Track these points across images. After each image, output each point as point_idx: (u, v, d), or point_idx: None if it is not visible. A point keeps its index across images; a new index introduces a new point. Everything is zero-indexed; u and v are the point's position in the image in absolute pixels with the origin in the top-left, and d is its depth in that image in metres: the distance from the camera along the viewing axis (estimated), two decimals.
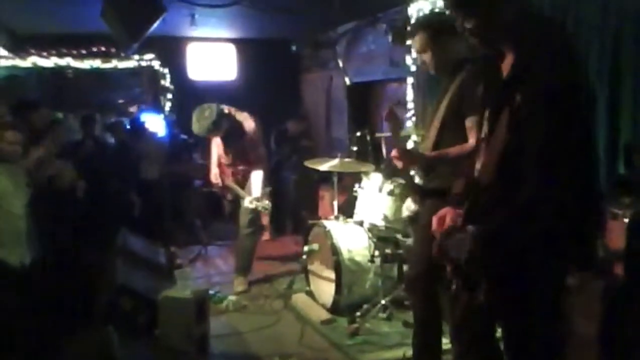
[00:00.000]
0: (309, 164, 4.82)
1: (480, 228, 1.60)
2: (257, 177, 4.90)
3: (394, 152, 2.81)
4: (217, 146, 5.23)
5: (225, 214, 6.29)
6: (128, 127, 6.74)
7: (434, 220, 2.01)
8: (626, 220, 2.82)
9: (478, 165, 1.88)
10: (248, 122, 4.89)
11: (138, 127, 6.60)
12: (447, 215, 1.98)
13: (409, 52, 5.47)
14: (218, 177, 5.23)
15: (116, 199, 5.52)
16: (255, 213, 4.98)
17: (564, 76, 1.64)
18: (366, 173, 4.47)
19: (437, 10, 4.78)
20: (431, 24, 2.91)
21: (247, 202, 4.81)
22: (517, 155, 1.66)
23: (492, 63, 1.87)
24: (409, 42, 5.44)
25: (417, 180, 3.19)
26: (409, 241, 4.05)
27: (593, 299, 2.79)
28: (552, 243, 1.66)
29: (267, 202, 4.85)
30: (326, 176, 5.18)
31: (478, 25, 1.74)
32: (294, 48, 7.69)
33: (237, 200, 5.15)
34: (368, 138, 5.42)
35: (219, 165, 5.24)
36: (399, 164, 2.81)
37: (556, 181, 1.62)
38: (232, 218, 5.38)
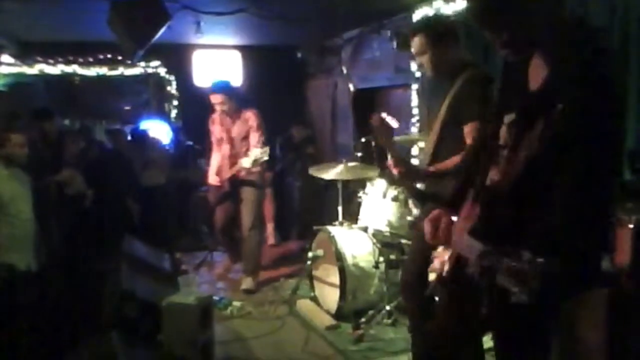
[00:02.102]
0: (313, 172, 4.82)
1: (551, 264, 1.50)
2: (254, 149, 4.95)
3: (389, 161, 2.81)
4: (218, 143, 5.29)
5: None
6: (129, 137, 6.76)
7: (426, 224, 1.98)
8: (631, 226, 2.79)
9: (493, 173, 1.81)
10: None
11: (139, 136, 6.62)
12: (441, 219, 1.96)
13: (414, 59, 5.46)
14: (215, 179, 5.27)
15: (115, 205, 5.54)
16: (258, 208, 5.11)
17: (606, 92, 1.57)
18: (370, 179, 4.47)
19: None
20: (431, 26, 2.90)
21: (246, 163, 4.82)
22: (546, 169, 1.59)
23: (516, 67, 1.80)
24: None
25: (418, 184, 3.19)
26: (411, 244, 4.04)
27: (599, 306, 2.76)
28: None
29: (265, 149, 4.85)
30: (331, 182, 5.18)
31: (508, 37, 1.68)
32: (299, 55, 7.71)
33: (238, 194, 5.17)
34: (373, 144, 5.41)
35: (219, 167, 5.29)
36: (395, 172, 2.81)
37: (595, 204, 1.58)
38: (235, 221, 5.36)
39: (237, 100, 5.18)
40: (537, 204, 1.62)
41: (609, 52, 1.73)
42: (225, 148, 5.24)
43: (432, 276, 2.10)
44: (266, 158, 4.88)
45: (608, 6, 3.46)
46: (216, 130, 5.29)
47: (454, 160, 2.73)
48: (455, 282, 1.91)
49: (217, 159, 5.35)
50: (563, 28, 1.67)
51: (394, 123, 2.91)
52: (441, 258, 1.97)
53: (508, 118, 1.79)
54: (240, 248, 5.31)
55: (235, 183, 5.16)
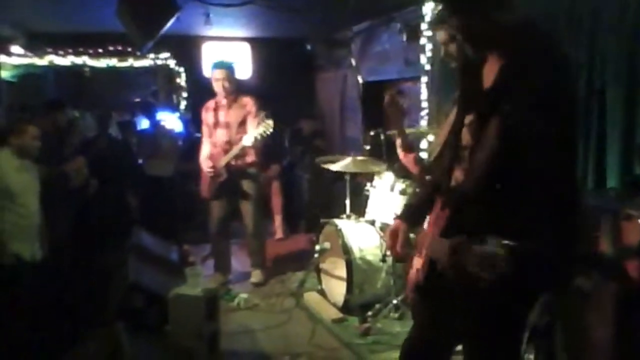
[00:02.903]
0: (322, 162, 4.81)
1: (518, 246, 1.52)
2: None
3: (401, 156, 2.79)
4: (212, 129, 4.99)
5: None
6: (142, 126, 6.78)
7: (388, 234, 2.07)
8: None
9: (458, 173, 1.83)
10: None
11: (152, 125, 6.63)
12: (399, 229, 2.03)
13: (424, 52, 5.44)
14: (209, 164, 4.91)
15: (118, 197, 5.55)
16: (260, 201, 4.95)
17: (554, 82, 1.61)
18: (379, 173, 4.45)
19: None
20: None
21: (249, 140, 4.62)
22: (508, 164, 1.63)
23: (472, 68, 1.82)
24: (423, 41, 5.44)
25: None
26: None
27: (607, 302, 2.74)
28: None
29: (268, 122, 4.61)
30: (339, 175, 5.16)
31: (470, 24, 1.71)
32: (308, 47, 7.68)
33: (238, 187, 4.94)
34: (382, 137, 5.39)
35: (212, 155, 4.96)
36: (408, 164, 2.80)
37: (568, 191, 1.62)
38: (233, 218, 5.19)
39: (239, 87, 4.99)
40: (502, 199, 1.66)
41: (555, 43, 1.76)
42: (220, 133, 4.91)
43: (409, 286, 2.12)
44: (270, 131, 4.62)
45: (618, 5, 3.42)
46: (209, 116, 4.99)
47: None
48: (430, 289, 1.94)
49: (207, 147, 5.01)
50: (520, 28, 1.70)
51: (405, 101, 2.91)
52: (417, 266, 2.00)
53: (468, 119, 1.83)
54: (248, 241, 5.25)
55: (234, 174, 4.88)
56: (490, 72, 1.75)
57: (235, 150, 4.75)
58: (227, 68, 4.91)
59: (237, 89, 4.95)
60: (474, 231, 1.54)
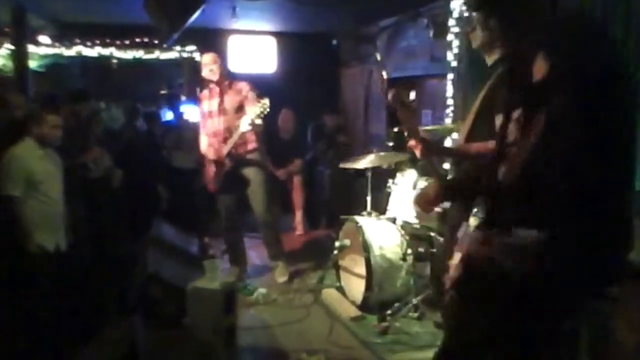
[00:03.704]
0: (345, 164, 4.76)
1: (544, 237, 1.48)
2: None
3: (411, 142, 2.73)
4: (208, 118, 4.89)
5: None
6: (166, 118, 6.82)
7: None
8: None
9: (503, 168, 1.80)
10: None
11: (175, 117, 6.67)
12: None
13: (450, 48, 5.36)
14: (210, 151, 4.85)
15: (145, 188, 5.55)
16: (267, 187, 4.87)
17: (606, 83, 1.58)
18: (401, 170, 4.40)
19: None
20: (502, 3, 2.79)
21: (245, 126, 4.51)
22: (546, 161, 1.61)
23: (519, 65, 1.79)
24: (450, 37, 5.35)
25: (449, 175, 3.11)
26: (442, 240, 3.97)
27: (635, 307, 2.67)
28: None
29: (264, 102, 4.47)
30: (361, 171, 5.11)
31: (501, 24, 1.69)
32: (334, 42, 7.63)
33: (241, 169, 4.83)
34: (406, 134, 5.33)
35: (211, 146, 4.88)
36: (417, 152, 2.73)
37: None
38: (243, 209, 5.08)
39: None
40: (541, 195, 1.62)
41: (608, 42, 1.75)
42: (216, 121, 4.80)
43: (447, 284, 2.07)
44: (267, 110, 4.47)
45: None
46: (204, 105, 4.90)
47: (479, 144, 2.65)
48: (466, 286, 1.88)
49: (205, 139, 4.91)
50: (564, 23, 1.69)
51: (410, 97, 2.85)
52: (455, 265, 1.97)
53: (515, 114, 1.80)
54: (244, 250, 5.17)
55: (239, 163, 4.77)
56: (539, 69, 1.71)
57: (235, 136, 4.63)
58: (215, 52, 4.87)
59: (229, 74, 4.86)
60: (508, 224, 1.51)
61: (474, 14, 2.82)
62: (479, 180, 1.92)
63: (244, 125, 4.51)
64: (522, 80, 1.78)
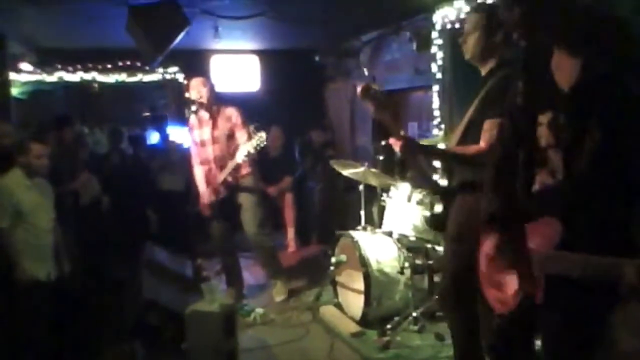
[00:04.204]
0: (335, 164, 4.76)
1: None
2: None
3: (391, 139, 2.71)
4: (201, 148, 4.87)
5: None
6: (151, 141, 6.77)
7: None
8: None
9: (543, 176, 1.75)
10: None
11: (161, 140, 6.62)
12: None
13: (435, 60, 5.40)
14: (207, 192, 4.86)
15: (133, 212, 5.50)
16: (259, 210, 4.83)
17: None
18: (394, 184, 4.40)
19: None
20: (494, 9, 2.78)
21: (241, 157, 4.52)
22: (614, 170, 1.56)
23: (535, 61, 1.74)
24: (434, 49, 5.39)
25: (440, 181, 3.10)
26: (440, 250, 3.97)
27: (638, 312, 2.66)
28: None
29: (260, 135, 4.48)
30: (352, 185, 5.10)
31: (526, 14, 1.62)
32: (317, 58, 7.66)
33: (237, 201, 4.83)
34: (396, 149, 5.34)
35: (207, 177, 4.88)
36: (397, 148, 2.72)
37: None
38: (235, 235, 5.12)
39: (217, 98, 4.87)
40: (607, 206, 1.58)
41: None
42: (211, 150, 4.80)
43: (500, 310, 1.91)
44: (264, 143, 4.51)
45: None
46: (195, 134, 4.88)
47: (476, 147, 2.65)
48: (525, 317, 1.81)
49: (200, 169, 4.90)
50: (586, 20, 1.61)
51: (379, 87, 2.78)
52: (507, 292, 1.83)
53: (544, 117, 1.72)
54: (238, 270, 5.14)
55: (233, 189, 4.79)
56: (563, 69, 1.66)
57: (230, 166, 4.65)
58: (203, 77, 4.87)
59: (217, 98, 4.83)
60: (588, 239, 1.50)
61: (465, 24, 2.85)
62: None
63: (240, 157, 4.53)
64: (539, 77, 1.73)
